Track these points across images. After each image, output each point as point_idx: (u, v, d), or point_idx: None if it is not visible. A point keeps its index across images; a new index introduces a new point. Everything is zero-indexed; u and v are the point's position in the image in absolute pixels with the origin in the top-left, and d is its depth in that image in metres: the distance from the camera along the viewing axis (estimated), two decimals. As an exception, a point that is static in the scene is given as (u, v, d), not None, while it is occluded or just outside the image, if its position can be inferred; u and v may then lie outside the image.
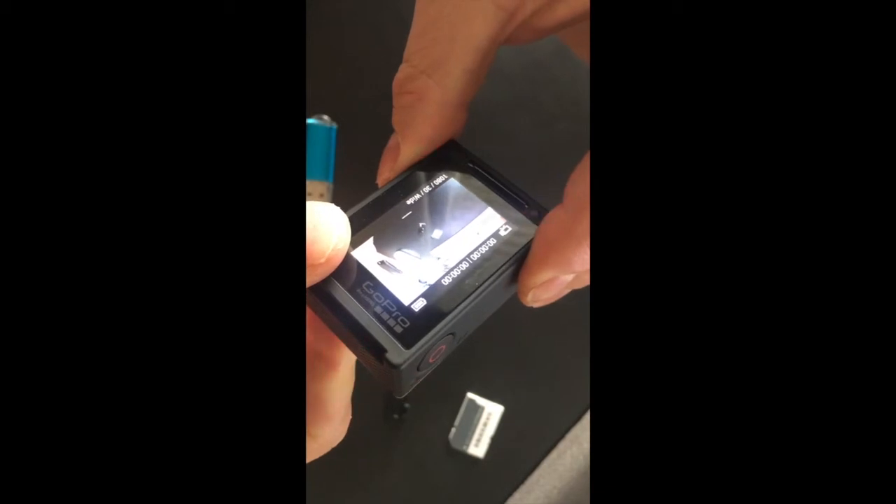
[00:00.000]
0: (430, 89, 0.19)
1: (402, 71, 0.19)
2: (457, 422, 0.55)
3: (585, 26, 0.20)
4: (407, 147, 0.20)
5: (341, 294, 0.17)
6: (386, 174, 0.20)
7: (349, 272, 0.18)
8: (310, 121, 0.45)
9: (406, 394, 0.17)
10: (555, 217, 0.18)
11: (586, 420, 0.56)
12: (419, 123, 0.19)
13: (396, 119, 0.20)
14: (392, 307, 0.17)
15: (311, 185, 0.48)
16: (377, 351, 0.17)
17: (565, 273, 0.19)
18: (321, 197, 0.49)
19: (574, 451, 0.56)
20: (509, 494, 0.56)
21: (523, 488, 0.56)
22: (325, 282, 0.17)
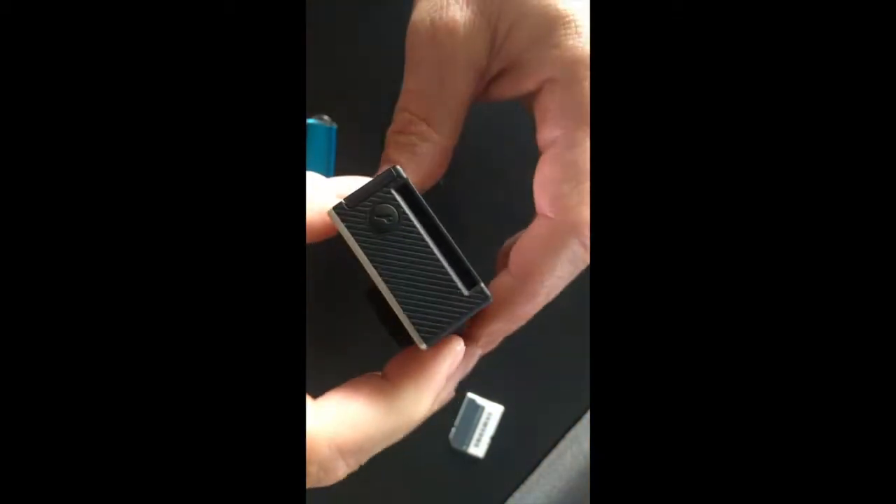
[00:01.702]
0: (432, 134, 0.22)
1: (402, 117, 0.23)
2: (457, 421, 0.55)
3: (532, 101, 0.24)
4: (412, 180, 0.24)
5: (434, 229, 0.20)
6: None
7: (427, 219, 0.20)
8: (310, 121, 0.45)
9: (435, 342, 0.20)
10: (503, 281, 0.23)
11: (586, 420, 0.56)
12: (424, 162, 0.23)
13: (395, 158, 0.23)
14: (458, 259, 0.20)
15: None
16: (471, 279, 0.20)
17: (513, 325, 0.24)
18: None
19: (574, 450, 0.56)
20: (509, 494, 0.56)
21: (523, 488, 0.56)
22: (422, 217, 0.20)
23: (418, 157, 0.23)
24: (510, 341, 0.57)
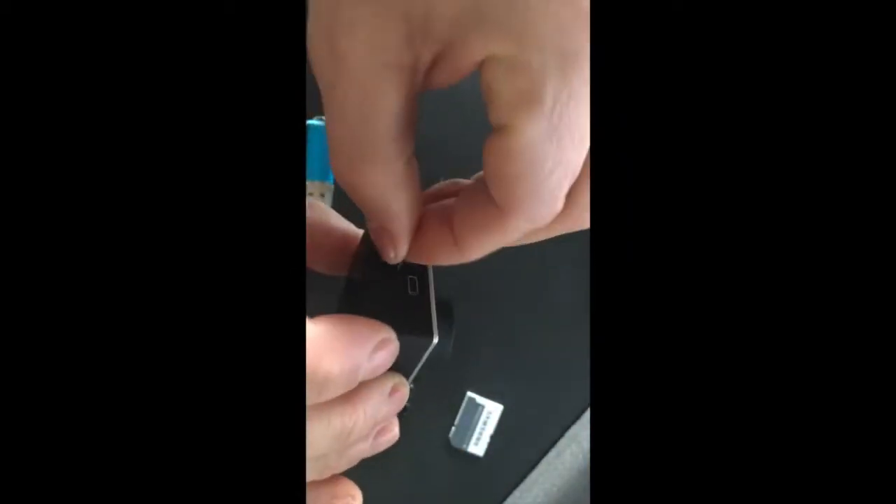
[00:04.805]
0: (377, 174, 0.19)
1: (339, 163, 0.19)
2: (457, 420, 0.55)
3: None
4: (402, 229, 0.21)
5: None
6: (389, 255, 0.22)
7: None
8: (310, 122, 0.45)
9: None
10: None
11: (585, 419, 0.56)
12: (397, 205, 0.20)
13: (375, 239, 0.21)
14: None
15: (311, 186, 0.48)
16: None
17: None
18: (322, 197, 0.49)
19: (573, 449, 0.56)
20: (509, 493, 0.56)
21: (523, 486, 0.56)
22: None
23: (391, 206, 0.20)
24: (510, 341, 0.57)
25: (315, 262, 0.25)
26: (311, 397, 0.19)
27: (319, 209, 0.25)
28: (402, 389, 0.22)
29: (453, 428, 0.55)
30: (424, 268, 0.22)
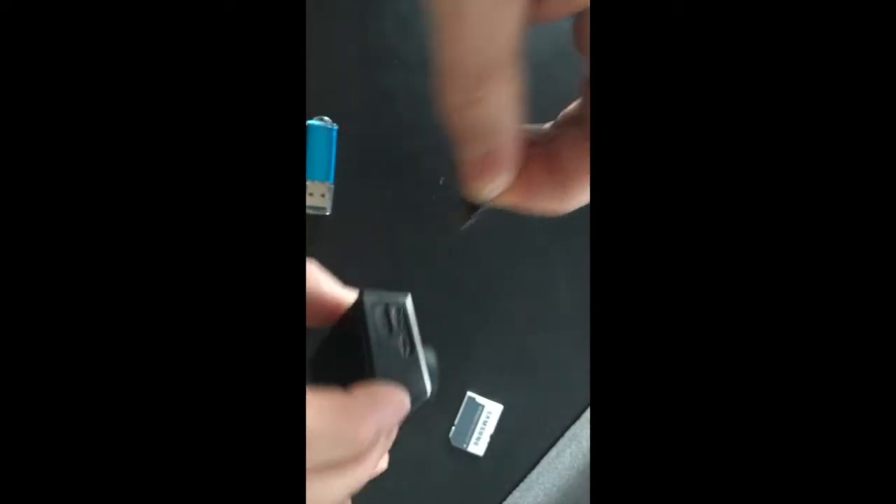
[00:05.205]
0: (498, 92, 0.18)
1: (457, 86, 0.18)
2: (456, 420, 0.55)
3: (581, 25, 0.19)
4: (510, 153, 0.19)
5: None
6: (490, 186, 0.20)
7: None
8: (311, 122, 0.45)
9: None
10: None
11: (585, 418, 0.56)
12: (510, 126, 0.19)
13: (478, 147, 0.19)
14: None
15: (311, 186, 0.48)
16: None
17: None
18: (322, 197, 0.49)
19: (573, 449, 0.56)
20: (509, 492, 0.56)
21: (522, 486, 0.56)
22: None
23: (507, 129, 0.19)
24: (510, 341, 0.57)
25: (308, 323, 0.26)
26: (347, 456, 0.21)
27: (313, 276, 0.27)
28: (394, 434, 0.25)
29: (453, 428, 0.55)
30: (410, 330, 0.25)
